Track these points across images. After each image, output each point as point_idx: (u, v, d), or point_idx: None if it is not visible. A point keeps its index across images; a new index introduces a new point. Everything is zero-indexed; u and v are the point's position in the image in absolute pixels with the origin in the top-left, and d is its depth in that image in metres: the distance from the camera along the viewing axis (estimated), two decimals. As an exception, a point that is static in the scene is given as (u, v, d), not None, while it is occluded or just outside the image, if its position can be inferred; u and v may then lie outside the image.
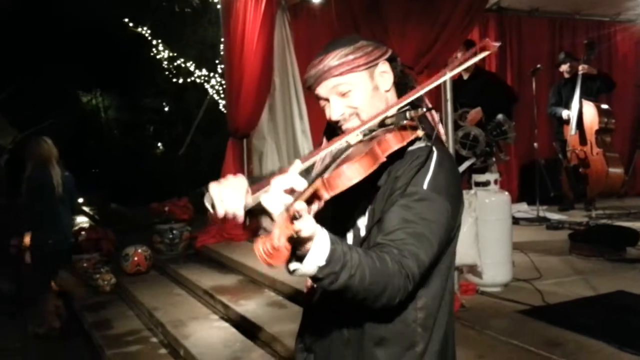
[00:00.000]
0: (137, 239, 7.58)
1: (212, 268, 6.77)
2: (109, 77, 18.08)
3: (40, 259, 5.92)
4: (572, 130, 7.67)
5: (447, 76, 1.59)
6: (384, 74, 1.71)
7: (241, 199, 1.54)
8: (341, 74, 1.65)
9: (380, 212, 1.58)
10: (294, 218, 1.21)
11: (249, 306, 5.27)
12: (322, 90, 1.69)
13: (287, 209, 1.23)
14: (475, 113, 6.26)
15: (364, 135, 1.57)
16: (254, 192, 1.58)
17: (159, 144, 19.13)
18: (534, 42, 9.08)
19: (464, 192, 4.39)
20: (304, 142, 7.39)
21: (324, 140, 1.81)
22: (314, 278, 1.34)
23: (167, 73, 15.48)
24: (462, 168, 5.36)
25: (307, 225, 1.23)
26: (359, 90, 1.67)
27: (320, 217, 1.31)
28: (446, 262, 1.66)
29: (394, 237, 1.48)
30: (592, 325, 3.73)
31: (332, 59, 1.65)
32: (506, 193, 4.81)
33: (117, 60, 16.66)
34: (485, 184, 4.72)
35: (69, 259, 6.63)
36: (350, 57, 1.65)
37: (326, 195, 1.34)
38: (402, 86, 1.75)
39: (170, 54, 14.96)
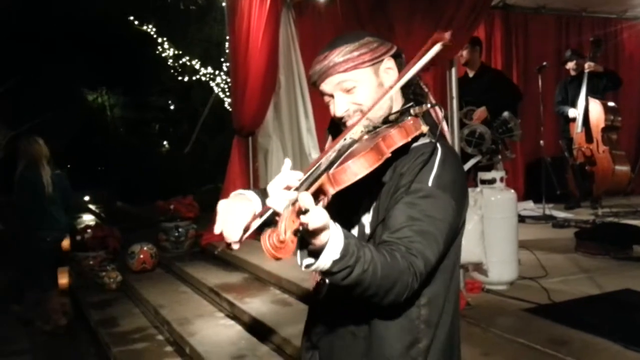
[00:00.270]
0: (143, 237, 7.60)
1: (217, 266, 6.78)
2: (115, 75, 18.12)
3: (34, 258, 5.97)
4: (578, 128, 7.65)
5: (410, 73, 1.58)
6: (389, 70, 1.70)
7: (238, 226, 1.53)
8: (346, 70, 1.65)
9: (385, 209, 1.58)
10: (300, 212, 1.21)
11: (255, 304, 5.28)
12: (326, 86, 1.69)
13: (293, 203, 1.23)
14: (481, 112, 6.24)
15: (368, 131, 1.57)
16: (262, 214, 1.57)
17: (165, 142, 19.17)
18: (540, 39, 9.05)
19: (470, 190, 4.40)
20: (309, 140, 7.39)
21: (329, 137, 1.81)
22: (328, 272, 1.33)
23: (172, 71, 15.51)
24: (468, 166, 5.35)
25: (316, 218, 1.22)
26: (364, 86, 1.66)
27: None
28: (451, 259, 1.66)
29: (401, 235, 1.48)
30: (598, 323, 3.72)
31: (337, 55, 1.64)
32: (512, 191, 4.80)
33: (122, 58, 16.70)
34: (491, 181, 4.71)
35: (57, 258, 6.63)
36: (355, 53, 1.64)
37: (332, 190, 1.33)
38: (406, 83, 1.75)
39: (176, 52, 14.98)
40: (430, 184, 1.55)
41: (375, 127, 1.58)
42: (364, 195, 1.63)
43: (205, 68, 14.59)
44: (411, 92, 1.74)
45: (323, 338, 1.77)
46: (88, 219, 12.78)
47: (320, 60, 1.67)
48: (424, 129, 1.56)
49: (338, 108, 1.69)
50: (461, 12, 4.38)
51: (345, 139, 1.57)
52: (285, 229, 1.21)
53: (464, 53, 6.51)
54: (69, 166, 19.31)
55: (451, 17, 4.40)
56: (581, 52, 8.02)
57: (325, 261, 1.30)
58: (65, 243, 8.05)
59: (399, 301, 1.47)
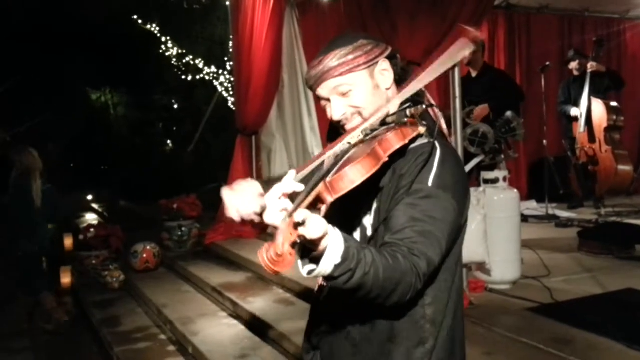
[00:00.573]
0: (146, 236, 7.60)
1: (220, 265, 6.79)
2: (118, 74, 18.12)
3: (24, 264, 6.04)
4: (581, 127, 7.64)
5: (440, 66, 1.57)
6: (384, 72, 1.70)
7: (254, 203, 1.50)
8: (341, 74, 1.65)
9: (386, 210, 1.58)
10: (297, 224, 1.21)
11: (258, 303, 5.28)
12: (322, 91, 1.69)
13: (290, 215, 1.23)
14: (481, 109, 6.23)
15: (366, 135, 1.57)
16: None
17: (168, 142, 19.16)
18: (543, 39, 9.04)
19: (473, 189, 4.40)
20: (313, 139, 7.40)
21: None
22: (330, 277, 1.33)
23: (176, 70, 15.51)
24: (470, 165, 5.34)
25: (314, 228, 1.23)
26: (360, 89, 1.66)
27: (326, 216, 1.32)
28: (453, 258, 1.66)
29: (403, 236, 1.48)
30: (601, 323, 3.72)
31: (332, 60, 1.64)
32: (515, 190, 4.80)
33: (126, 57, 16.70)
34: (494, 181, 4.71)
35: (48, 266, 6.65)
36: (350, 57, 1.64)
37: (329, 199, 1.34)
38: (402, 83, 1.75)
39: (179, 51, 14.98)
40: (430, 184, 1.55)
41: (372, 130, 1.58)
42: (365, 197, 1.63)
43: (209, 67, 14.58)
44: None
45: (324, 339, 1.77)
46: (91, 218, 12.80)
47: (315, 65, 1.67)
48: (422, 129, 1.56)
49: (335, 112, 1.69)
50: (464, 11, 4.38)
51: (343, 143, 1.57)
52: (283, 242, 1.20)
53: (466, 54, 6.49)
54: (72, 165, 19.40)
55: (454, 16, 4.40)
56: (584, 52, 8.01)
57: (326, 266, 1.30)
58: (68, 242, 8.09)
59: (403, 301, 1.47)
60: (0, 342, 5.67)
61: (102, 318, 5.78)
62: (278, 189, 1.35)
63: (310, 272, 1.32)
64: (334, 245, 1.29)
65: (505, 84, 6.75)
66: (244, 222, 1.55)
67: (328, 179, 1.36)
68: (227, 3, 8.27)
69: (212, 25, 14.42)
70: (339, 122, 1.71)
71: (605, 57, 8.21)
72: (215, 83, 14.48)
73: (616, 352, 3.38)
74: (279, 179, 1.74)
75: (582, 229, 6.23)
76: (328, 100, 1.70)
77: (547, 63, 7.63)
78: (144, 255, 7.09)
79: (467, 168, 5.22)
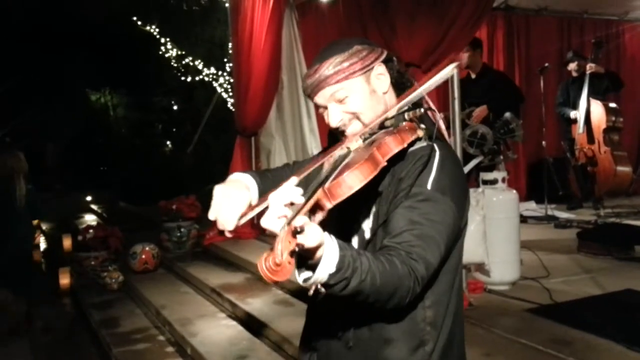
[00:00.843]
0: (145, 237, 7.59)
1: (219, 266, 6.78)
2: (118, 76, 18.14)
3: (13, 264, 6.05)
4: (579, 128, 7.65)
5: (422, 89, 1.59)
6: (381, 76, 1.70)
7: (234, 214, 1.59)
8: (337, 82, 1.65)
9: (385, 214, 1.58)
10: (295, 232, 1.20)
11: (256, 304, 5.28)
12: (319, 99, 1.69)
13: (289, 224, 1.23)
14: (481, 110, 6.24)
15: (364, 139, 1.56)
16: (260, 202, 1.59)
17: (168, 143, 19.16)
18: (542, 40, 9.05)
19: (472, 190, 4.40)
20: (312, 141, 7.40)
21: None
22: (325, 285, 1.33)
23: (175, 71, 15.51)
24: (469, 166, 5.35)
25: (312, 237, 1.23)
26: (356, 95, 1.66)
27: (324, 221, 1.32)
28: (453, 260, 1.66)
29: (401, 240, 1.48)
30: (600, 324, 3.72)
31: (327, 68, 1.64)
32: (514, 191, 4.81)
33: (126, 58, 16.72)
34: (493, 182, 4.72)
35: (29, 268, 6.63)
36: (345, 64, 1.64)
37: (328, 205, 1.34)
38: (400, 86, 1.75)
39: (179, 53, 14.99)
40: (429, 187, 1.55)
41: (371, 134, 1.58)
42: (364, 201, 1.63)
43: (209, 68, 14.58)
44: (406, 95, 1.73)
45: (321, 340, 1.77)
46: (90, 218, 12.78)
47: (311, 74, 1.67)
48: (420, 133, 1.57)
49: (332, 119, 1.69)
50: (463, 13, 4.39)
51: (341, 148, 1.57)
52: (282, 250, 1.20)
53: (465, 57, 6.51)
54: (71, 165, 19.39)
55: (453, 18, 4.41)
56: (583, 53, 8.02)
57: (321, 275, 1.30)
58: (66, 243, 8.09)
59: (402, 305, 1.47)
60: (-1, 342, 5.67)
61: (101, 319, 5.77)
62: (280, 196, 1.34)
63: (305, 280, 1.32)
64: (329, 254, 1.29)
65: (505, 85, 6.76)
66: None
67: (326, 185, 1.36)
68: (227, 4, 8.27)
69: (212, 27, 14.42)
70: (336, 128, 1.71)
71: (604, 59, 8.21)
72: (215, 84, 14.48)
73: (616, 353, 3.37)
74: (276, 171, 1.75)
75: (581, 229, 6.23)
76: (325, 107, 1.70)
77: (546, 64, 7.64)
78: (143, 256, 7.08)
79: (466, 169, 5.22)
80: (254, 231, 7.17)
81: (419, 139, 1.59)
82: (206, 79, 14.70)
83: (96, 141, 19.88)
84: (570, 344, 3.51)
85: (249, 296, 5.53)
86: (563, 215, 7.49)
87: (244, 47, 7.40)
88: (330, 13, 7.04)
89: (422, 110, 1.57)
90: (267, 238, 6.86)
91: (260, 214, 1.41)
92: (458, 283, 1.71)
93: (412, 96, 1.58)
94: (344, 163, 1.48)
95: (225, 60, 13.55)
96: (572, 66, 7.79)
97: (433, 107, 1.70)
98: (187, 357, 4.71)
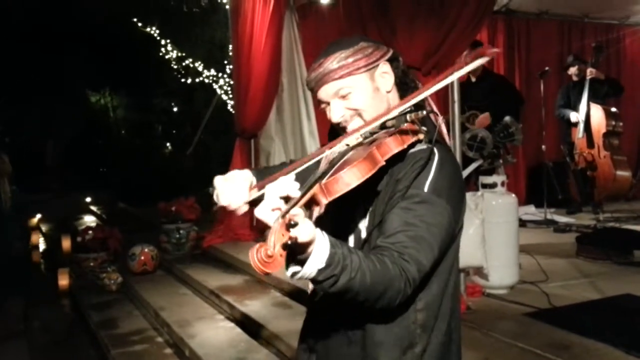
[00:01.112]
0: (144, 239, 7.58)
1: (218, 268, 6.78)
2: (118, 77, 18.16)
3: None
4: (579, 133, 7.65)
5: (450, 78, 1.54)
6: (385, 74, 1.70)
7: (242, 194, 1.62)
8: (341, 77, 1.64)
9: (381, 214, 1.58)
10: (289, 225, 1.20)
11: (255, 306, 5.28)
12: (323, 94, 1.69)
13: (283, 216, 1.23)
14: (484, 118, 6.25)
15: (365, 138, 1.56)
16: (259, 187, 1.60)
17: (168, 144, 19.18)
18: (542, 44, 9.05)
19: (471, 193, 4.40)
20: (312, 143, 7.39)
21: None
22: (314, 280, 1.34)
23: (175, 73, 15.53)
24: (469, 170, 5.35)
25: (304, 232, 1.24)
26: (360, 92, 1.66)
27: (321, 220, 1.32)
28: (447, 263, 1.65)
29: (394, 240, 1.48)
30: (598, 328, 3.72)
31: (332, 63, 1.64)
32: (513, 195, 4.80)
33: (126, 59, 16.74)
34: (492, 186, 4.71)
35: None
36: (350, 59, 1.64)
37: (324, 201, 1.34)
38: (403, 86, 1.74)
39: (179, 54, 15.00)
40: (426, 189, 1.54)
41: (372, 133, 1.57)
42: (361, 201, 1.63)
43: (209, 70, 14.60)
44: (408, 95, 1.72)
45: (319, 341, 1.77)
46: (89, 220, 12.79)
47: (315, 68, 1.67)
48: (421, 135, 1.56)
49: (334, 114, 1.69)
50: (464, 15, 4.39)
51: (341, 145, 1.57)
52: (275, 242, 1.20)
53: (467, 59, 6.50)
54: (71, 166, 19.39)
55: (453, 20, 4.41)
56: (583, 57, 8.03)
57: (310, 269, 1.31)
58: (66, 244, 8.08)
59: (392, 306, 1.47)
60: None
61: (100, 320, 5.77)
62: (276, 188, 1.34)
63: (294, 274, 1.32)
64: (319, 250, 1.30)
65: (505, 88, 6.77)
66: (228, 211, 1.61)
67: (323, 181, 1.36)
68: (227, 6, 8.28)
69: (212, 29, 14.43)
70: (338, 124, 1.71)
71: (604, 63, 8.22)
72: (215, 86, 14.49)
73: (614, 357, 3.37)
74: (277, 169, 1.76)
75: (581, 234, 6.23)
76: (328, 103, 1.70)
77: (547, 68, 7.64)
78: (142, 258, 7.08)
79: (466, 173, 5.22)
80: (252, 233, 7.16)
81: (419, 141, 1.59)
82: (206, 80, 14.71)
83: (96, 142, 19.90)
84: (568, 349, 3.51)
85: (248, 298, 5.53)
86: (562, 219, 7.49)
87: (244, 49, 7.40)
88: (331, 15, 7.04)
89: (424, 112, 1.57)
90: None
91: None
92: (453, 287, 1.70)
93: (415, 100, 1.58)
94: (342, 160, 1.48)
95: (226, 62, 13.56)
96: (573, 70, 7.79)
97: (436, 109, 1.70)
98: (185, 358, 4.70)
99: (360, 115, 1.67)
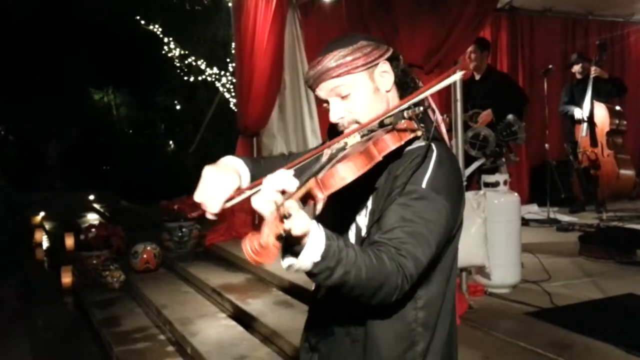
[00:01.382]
0: (147, 237, 7.60)
1: (220, 266, 6.78)
2: (121, 75, 18.18)
3: None
4: (583, 131, 7.63)
5: (424, 95, 1.56)
6: (385, 73, 1.69)
7: (219, 197, 1.58)
8: (339, 75, 1.64)
9: (380, 211, 1.58)
10: (283, 217, 1.20)
11: (257, 304, 5.28)
12: (321, 92, 1.68)
13: (278, 208, 1.22)
14: (486, 115, 6.22)
15: (363, 135, 1.56)
16: (251, 187, 1.60)
17: (170, 142, 19.19)
18: (546, 42, 9.02)
19: (473, 192, 4.39)
20: (314, 141, 7.39)
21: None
22: (309, 273, 1.34)
23: (178, 71, 15.54)
24: (471, 168, 5.35)
25: (299, 224, 1.23)
26: (359, 91, 1.65)
27: (321, 217, 1.31)
28: (447, 261, 1.65)
29: (392, 236, 1.48)
30: (600, 327, 3.71)
31: (330, 60, 1.63)
32: (515, 194, 4.79)
33: (129, 58, 16.75)
34: (495, 184, 4.70)
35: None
36: (349, 58, 1.63)
37: (320, 195, 1.33)
38: (403, 85, 1.74)
39: (182, 52, 15.00)
40: (424, 185, 1.54)
41: (370, 131, 1.57)
42: (360, 198, 1.63)
43: (211, 68, 14.61)
44: (408, 94, 1.72)
45: (322, 340, 1.77)
46: (92, 218, 12.81)
47: (314, 65, 1.66)
48: (419, 132, 1.56)
49: (333, 114, 1.68)
50: (466, 13, 4.37)
51: (339, 142, 1.56)
52: (268, 233, 1.20)
53: (473, 57, 6.50)
54: (74, 164, 19.43)
55: (456, 18, 4.39)
56: (587, 55, 8.00)
57: (304, 262, 1.31)
58: (69, 242, 8.09)
59: (389, 302, 1.47)
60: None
61: (102, 318, 5.78)
62: (273, 180, 1.32)
63: (289, 267, 1.32)
64: (314, 243, 1.30)
65: (509, 87, 6.75)
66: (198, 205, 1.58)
67: (320, 175, 1.36)
68: (230, 4, 8.27)
69: (215, 27, 14.43)
70: (337, 123, 1.70)
71: (608, 61, 8.19)
72: (217, 84, 14.50)
73: (615, 357, 3.37)
74: (271, 160, 1.75)
75: (583, 233, 6.22)
76: (327, 102, 1.70)
77: (550, 66, 7.61)
78: (145, 256, 7.09)
79: (468, 171, 5.22)
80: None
81: (417, 138, 1.58)
82: (209, 78, 14.72)
83: (99, 140, 19.92)
84: (570, 348, 3.50)
85: (250, 296, 5.53)
86: (565, 218, 7.47)
87: (246, 47, 7.39)
88: (333, 13, 7.02)
89: (422, 109, 1.57)
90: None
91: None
92: (452, 285, 1.70)
93: (414, 100, 1.57)
94: (340, 155, 1.48)
95: (228, 60, 13.57)
96: (577, 68, 7.77)
97: (434, 106, 1.70)
98: (187, 356, 4.71)
99: (357, 122, 1.66)
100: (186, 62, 15.01)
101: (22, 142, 20.01)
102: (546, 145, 7.67)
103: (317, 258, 1.31)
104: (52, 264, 8.71)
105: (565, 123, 8.11)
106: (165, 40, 14.93)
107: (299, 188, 1.29)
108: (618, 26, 9.58)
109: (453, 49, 4.55)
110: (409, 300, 1.57)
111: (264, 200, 1.28)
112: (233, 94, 13.15)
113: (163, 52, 15.08)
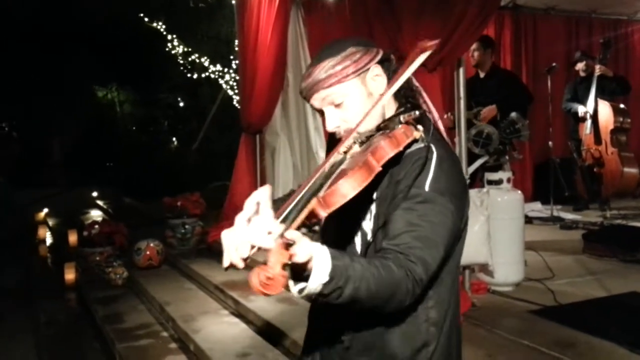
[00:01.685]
0: (150, 233, 7.61)
1: (223, 263, 6.77)
2: (125, 72, 18.19)
3: None
4: (587, 129, 7.61)
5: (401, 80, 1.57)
6: (377, 77, 1.68)
7: (241, 257, 1.47)
8: (330, 85, 1.63)
9: (384, 215, 1.58)
10: (289, 245, 1.21)
11: (260, 302, 5.26)
12: (315, 102, 1.68)
13: (282, 235, 1.22)
14: (489, 110, 6.21)
15: (361, 143, 1.55)
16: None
17: (174, 139, 19.21)
18: (549, 40, 9.00)
19: (477, 190, 4.39)
20: (317, 139, 7.39)
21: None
22: (320, 294, 1.33)
23: (181, 68, 15.54)
24: (474, 166, 5.34)
25: (301, 250, 1.24)
26: (352, 98, 1.65)
27: (325, 225, 1.31)
28: (455, 260, 1.65)
29: (399, 242, 1.47)
30: (604, 326, 3.69)
31: (320, 72, 1.62)
32: (519, 192, 4.77)
33: (132, 55, 16.77)
34: (498, 182, 4.69)
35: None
36: (338, 67, 1.62)
37: (323, 214, 1.33)
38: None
39: (185, 50, 15.01)
40: (427, 188, 1.53)
41: (367, 137, 1.56)
42: (364, 203, 1.62)
43: (215, 66, 14.61)
44: (402, 96, 1.71)
45: (324, 343, 1.76)
46: (95, 214, 12.83)
47: (306, 77, 1.66)
48: (417, 135, 1.55)
49: (329, 123, 1.68)
50: (470, 11, 4.35)
51: (337, 154, 1.55)
52: (274, 264, 1.20)
53: (475, 55, 6.49)
54: (78, 161, 19.46)
55: (460, 16, 4.37)
56: (591, 53, 7.98)
57: (314, 285, 1.29)
58: (72, 238, 8.10)
59: (402, 307, 1.47)
60: (1, 337, 5.69)
61: (105, 314, 5.78)
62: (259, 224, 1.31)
63: (301, 291, 1.31)
64: (319, 265, 1.29)
65: (514, 84, 6.73)
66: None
67: (321, 193, 1.35)
68: (233, 2, 8.26)
69: (218, 24, 14.43)
70: (333, 133, 1.71)
71: (612, 59, 8.16)
72: (221, 81, 14.50)
73: (619, 356, 3.35)
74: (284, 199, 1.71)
75: (587, 231, 6.20)
76: (322, 111, 1.69)
77: (554, 64, 7.59)
78: (147, 253, 7.09)
79: (471, 169, 5.21)
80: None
81: (415, 141, 1.57)
82: (212, 76, 14.72)
83: (102, 137, 19.94)
84: (574, 346, 3.49)
85: (252, 294, 5.51)
86: (569, 216, 7.45)
87: (249, 44, 7.39)
88: (337, 10, 7.02)
89: (417, 113, 1.56)
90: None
91: None
92: (457, 284, 1.71)
93: (395, 88, 1.57)
94: (339, 170, 1.47)
95: (232, 57, 13.57)
96: (580, 66, 7.75)
97: (431, 107, 1.69)
98: (189, 353, 4.71)
99: (354, 122, 1.64)
100: (189, 59, 15.01)
101: (26, 139, 20.05)
102: (550, 142, 7.65)
103: (326, 278, 1.30)
104: (55, 260, 8.74)
105: (569, 121, 8.10)
106: (169, 37, 14.94)
107: (301, 210, 1.30)
108: (622, 24, 9.56)
109: (456, 47, 4.53)
110: (419, 302, 1.57)
111: (263, 234, 1.27)
112: (236, 91, 13.16)
113: (166, 49, 15.08)
